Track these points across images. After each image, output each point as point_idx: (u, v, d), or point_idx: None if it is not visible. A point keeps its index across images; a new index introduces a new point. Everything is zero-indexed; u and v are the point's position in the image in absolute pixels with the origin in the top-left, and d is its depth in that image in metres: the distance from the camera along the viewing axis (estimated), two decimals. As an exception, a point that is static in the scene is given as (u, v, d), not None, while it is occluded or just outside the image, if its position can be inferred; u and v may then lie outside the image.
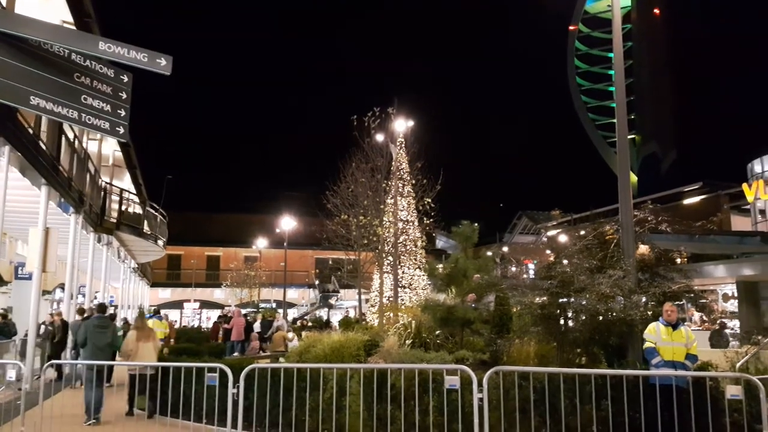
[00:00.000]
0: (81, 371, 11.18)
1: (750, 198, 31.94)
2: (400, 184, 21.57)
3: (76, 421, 9.20)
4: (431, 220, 20.98)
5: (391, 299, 19.92)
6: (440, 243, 55.09)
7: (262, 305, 43.70)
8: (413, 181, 21.78)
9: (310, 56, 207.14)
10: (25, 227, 14.27)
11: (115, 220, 21.17)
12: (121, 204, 21.99)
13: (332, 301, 44.76)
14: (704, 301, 24.03)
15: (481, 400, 6.58)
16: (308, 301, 50.95)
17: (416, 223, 22.08)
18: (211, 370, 7.89)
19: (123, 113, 8.07)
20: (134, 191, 26.46)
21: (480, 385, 6.60)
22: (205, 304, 51.45)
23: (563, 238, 22.64)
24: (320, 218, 22.18)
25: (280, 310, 32.38)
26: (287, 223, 35.95)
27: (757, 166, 40.04)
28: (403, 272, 21.06)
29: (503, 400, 7.35)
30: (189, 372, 8.21)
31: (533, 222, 62.85)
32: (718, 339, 17.79)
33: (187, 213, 49.50)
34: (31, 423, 7.92)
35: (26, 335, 13.48)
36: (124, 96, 8.11)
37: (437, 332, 12.83)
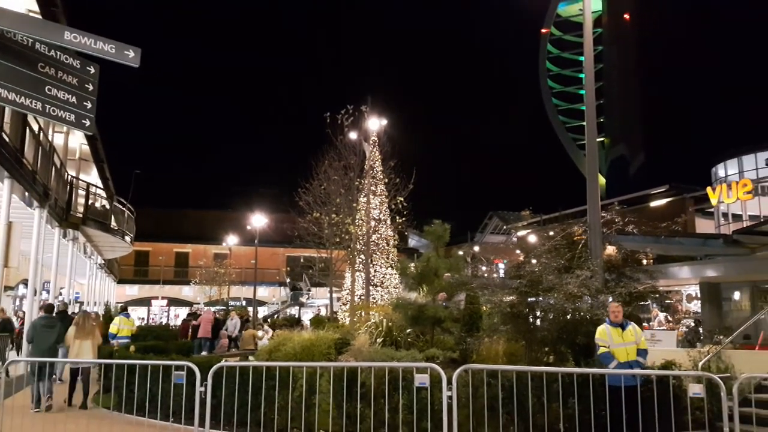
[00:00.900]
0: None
1: (714, 201, 32.79)
2: (373, 183, 21.54)
3: (26, 411, 9.29)
4: (404, 218, 21.01)
5: (362, 298, 19.90)
6: (412, 242, 55.22)
7: (232, 303, 43.25)
8: (386, 180, 21.78)
9: (284, 52, 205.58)
10: (-14, 221, 13.83)
11: (81, 215, 20.70)
12: (87, 198, 21.52)
13: (303, 299, 44.54)
14: (669, 301, 24.59)
15: (450, 398, 6.62)
16: (279, 299, 50.62)
17: (389, 222, 22.08)
18: (178, 368, 7.77)
19: (89, 105, 7.88)
20: (101, 186, 25.92)
21: (449, 383, 6.64)
22: (174, 302, 50.73)
23: (533, 239, 22.92)
24: (292, 216, 22.03)
25: (234, 304, 32.04)
26: (258, 220, 35.62)
27: (720, 171, 41.13)
28: (375, 271, 21.04)
29: (472, 398, 7.41)
30: (155, 370, 8.09)
31: (504, 222, 63.40)
32: (693, 336, 18.26)
33: (156, 209, 48.74)
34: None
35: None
36: (91, 88, 7.92)
37: (408, 331, 12.85)
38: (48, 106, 7.51)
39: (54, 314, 11.51)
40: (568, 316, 9.51)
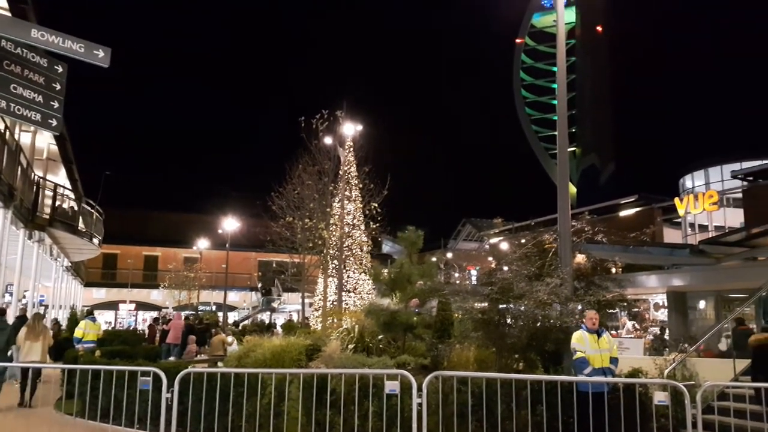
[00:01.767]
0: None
1: (681, 212, 33.47)
2: (347, 188, 21.51)
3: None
4: (377, 224, 21.02)
5: (335, 303, 19.81)
6: (386, 248, 55.26)
7: (202, 308, 42.69)
8: (360, 185, 21.77)
9: (260, 55, 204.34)
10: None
11: (47, 216, 20.21)
12: (54, 199, 21.01)
13: (275, 304, 44.14)
14: (636, 309, 25.01)
15: (420, 405, 6.61)
16: (250, 304, 50.10)
17: (362, 227, 22.05)
18: (145, 373, 7.62)
19: (56, 105, 7.71)
20: (69, 187, 25.36)
21: (419, 390, 6.64)
22: (142, 306, 49.86)
23: (505, 246, 23.10)
24: (265, 220, 21.87)
25: (204, 309, 31.65)
26: (230, 224, 35.25)
27: (688, 182, 42.14)
28: (348, 276, 20.97)
29: (442, 405, 7.42)
30: (121, 375, 7.94)
31: (477, 229, 63.88)
32: (659, 344, 18.56)
33: (126, 211, 47.90)
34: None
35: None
36: (58, 87, 7.75)
37: (380, 337, 12.82)
38: (13, 105, 7.33)
39: (17, 317, 11.39)
40: (538, 324, 9.60)
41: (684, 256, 21.76)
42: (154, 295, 49.12)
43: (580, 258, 11.53)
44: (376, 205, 20.61)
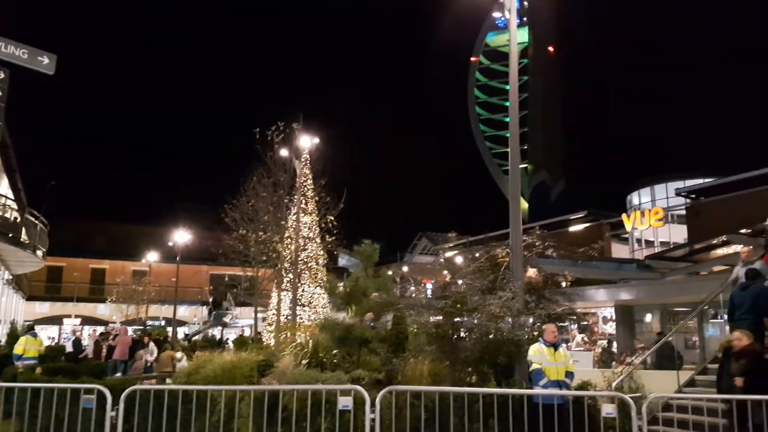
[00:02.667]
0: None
1: (628, 227, 34.60)
2: (303, 201, 21.36)
3: None
4: (333, 237, 20.92)
5: (289, 318, 19.56)
6: (342, 261, 55.00)
7: (150, 323, 41.47)
8: (316, 198, 21.65)
9: (216, 65, 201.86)
10: None
11: (-13, 227, 19.35)
12: (-6, 210, 20.14)
13: (227, 319, 43.26)
14: (585, 323, 25.59)
15: (373, 420, 6.57)
16: (200, 319, 48.97)
17: (318, 241, 21.91)
18: (88, 391, 7.33)
19: (-1, 111, 7.42)
20: (12, 196, 24.36)
21: (373, 405, 6.60)
22: (87, 321, 48.07)
23: (459, 260, 23.34)
24: (217, 232, 21.47)
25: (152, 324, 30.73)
26: (181, 236, 34.47)
27: (635, 199, 43.54)
28: (303, 290, 20.76)
29: (395, 420, 7.39)
30: (63, 393, 7.61)
31: (433, 243, 64.31)
32: (607, 357, 18.97)
33: (72, 222, 46.26)
34: None
35: None
36: (0, 93, 7.47)
37: (335, 351, 12.72)
38: (-49, 111, 7.01)
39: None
40: (491, 336, 9.72)
41: (631, 270, 22.42)
42: (101, 310, 47.47)
43: (531, 272, 11.76)
44: (332, 218, 20.53)
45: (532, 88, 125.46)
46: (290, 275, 20.10)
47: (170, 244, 38.22)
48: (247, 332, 38.54)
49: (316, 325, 14.27)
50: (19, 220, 22.16)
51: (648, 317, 24.35)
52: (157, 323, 43.47)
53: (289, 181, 20.35)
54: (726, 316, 9.86)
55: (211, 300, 46.53)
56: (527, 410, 7.09)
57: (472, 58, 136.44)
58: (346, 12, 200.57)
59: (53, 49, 6.70)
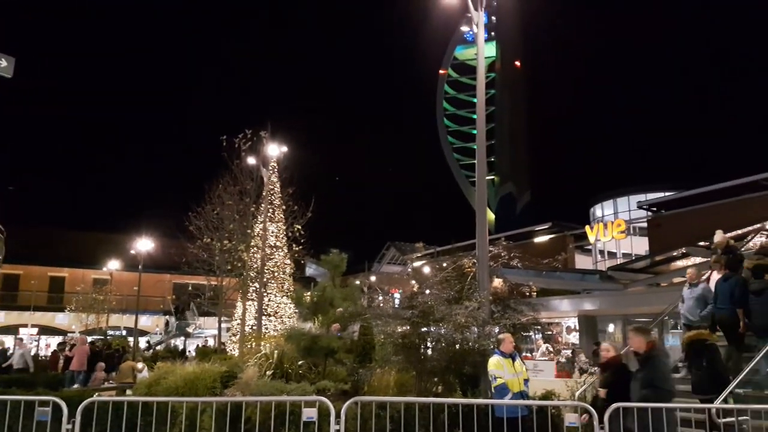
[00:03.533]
0: None
1: (591, 239, 35.30)
2: (270, 209, 21.18)
3: None
4: (301, 246, 20.78)
5: (254, 328, 19.31)
6: (310, 270, 54.67)
7: (111, 332, 40.46)
8: (284, 207, 21.51)
9: (180, 66, 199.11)
10: None
11: (-63, 234, 18.66)
12: (-53, 216, 19.46)
13: (190, 329, 42.49)
14: (550, 332, 25.94)
15: (338, 431, 6.51)
16: (163, 329, 48.00)
17: (285, 250, 21.73)
18: (43, 403, 7.09)
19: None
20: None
21: (338, 416, 6.54)
22: (45, 330, 46.63)
23: (427, 270, 23.45)
24: (181, 240, 21.10)
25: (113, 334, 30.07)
26: (144, 244, 33.79)
27: (598, 211, 44.48)
28: (269, 300, 20.54)
29: (360, 431, 7.33)
30: (17, 406, 7.35)
31: (401, 252, 64.48)
32: (571, 366, 19.20)
33: (30, 228, 44.95)
34: None
35: None
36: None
37: (300, 362, 12.59)
38: None
39: None
40: (457, 346, 9.75)
41: (594, 281, 22.86)
42: (60, 319, 46.10)
43: (497, 282, 11.86)
44: (300, 227, 20.41)
45: (499, 101, 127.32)
46: (256, 284, 19.87)
47: (133, 252, 37.44)
48: (211, 342, 37.92)
49: (281, 336, 14.11)
50: (-27, 226, 21.45)
51: (611, 327, 24.82)
52: (118, 333, 42.45)
53: (256, 189, 20.17)
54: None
55: (173, 309, 45.71)
56: (491, 424, 7.10)
57: (441, 71, 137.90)
58: (316, 21, 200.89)
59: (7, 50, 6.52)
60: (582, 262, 37.91)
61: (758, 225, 15.12)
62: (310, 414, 6.83)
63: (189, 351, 29.39)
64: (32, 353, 40.11)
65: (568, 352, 24.02)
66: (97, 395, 8.39)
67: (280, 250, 21.31)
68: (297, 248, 20.90)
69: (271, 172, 21.44)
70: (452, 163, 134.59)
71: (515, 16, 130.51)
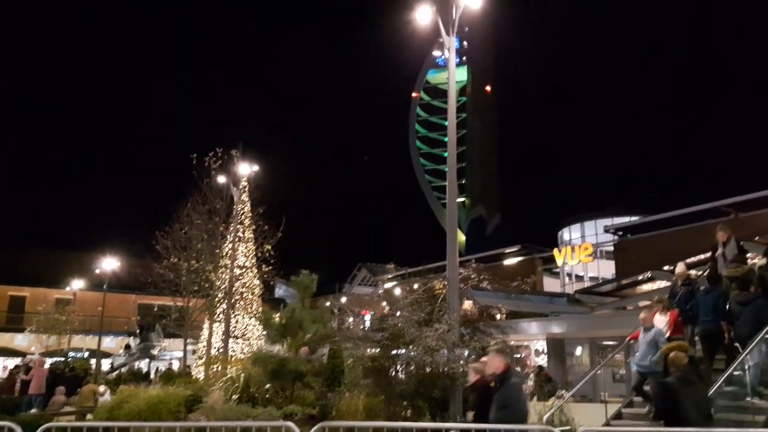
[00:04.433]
0: None
1: (559, 262, 35.74)
2: (240, 229, 20.95)
3: None
4: (270, 267, 20.57)
5: (221, 350, 18.95)
6: (279, 291, 54.12)
7: (73, 354, 39.29)
8: (254, 227, 21.31)
9: (148, 83, 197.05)
10: None
11: None
12: None
13: (155, 351, 41.51)
14: (518, 355, 26.04)
15: (305, 457, 6.39)
16: (126, 351, 46.74)
17: (254, 270, 21.48)
18: (-3, 430, 6.82)
19: None
20: None
21: (305, 442, 6.42)
22: (3, 352, 45.02)
23: (398, 291, 23.41)
24: (147, 260, 20.71)
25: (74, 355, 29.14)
26: (109, 264, 33.06)
27: (566, 234, 45.14)
28: (236, 321, 20.21)
29: (328, 457, 7.20)
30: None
31: (372, 274, 64.28)
32: (539, 389, 19.20)
33: (-11, 246, 43.68)
34: None
35: None
36: None
37: (267, 386, 12.38)
38: None
39: None
40: (427, 369, 9.71)
41: (561, 304, 23.09)
42: (19, 340, 44.56)
43: (467, 304, 11.89)
44: (270, 247, 20.21)
45: (470, 125, 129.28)
46: (223, 305, 19.55)
47: (97, 271, 36.62)
48: (176, 365, 37.08)
49: (248, 359, 13.87)
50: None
51: (578, 350, 25.02)
52: (80, 355, 41.25)
53: (225, 208, 19.97)
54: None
55: (138, 331, 44.68)
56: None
57: (414, 94, 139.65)
58: (290, 41, 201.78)
59: None
60: (550, 284, 38.27)
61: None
62: (276, 440, 6.70)
63: (152, 375, 28.65)
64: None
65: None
66: (56, 420, 8.09)
67: (249, 270, 21.05)
68: (267, 269, 20.68)
69: (241, 191, 21.26)
70: (424, 185, 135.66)
71: (487, 42, 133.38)
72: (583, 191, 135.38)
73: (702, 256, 15.88)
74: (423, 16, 11.45)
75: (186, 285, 19.45)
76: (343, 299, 53.40)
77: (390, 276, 47.51)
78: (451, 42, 11.54)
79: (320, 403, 10.93)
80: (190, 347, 23.54)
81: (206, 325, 20.94)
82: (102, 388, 17.44)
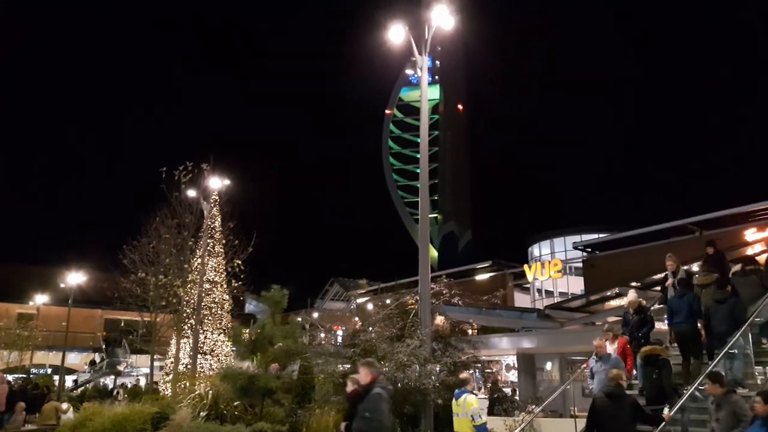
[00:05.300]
0: None
1: (530, 278, 36.07)
2: (210, 243, 20.67)
3: None
4: (240, 282, 20.31)
5: (189, 366, 18.59)
6: (250, 307, 53.42)
7: (35, 370, 38.10)
8: (224, 241, 21.05)
9: (117, 94, 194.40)
10: None
11: None
12: None
13: (120, 367, 40.52)
14: (489, 370, 26.12)
15: (274, 475, 6.30)
16: (88, 366, 45.52)
17: (224, 285, 21.18)
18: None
19: None
20: None
21: (274, 459, 6.33)
22: (-40, 369, 43.43)
23: (370, 306, 23.33)
24: (114, 274, 20.28)
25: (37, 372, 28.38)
26: (74, 278, 32.28)
27: (536, 250, 45.61)
28: (205, 337, 19.88)
29: (297, 474, 7.11)
30: None
31: (344, 289, 63.90)
32: (509, 405, 19.25)
33: (-52, 260, 42.29)
34: None
35: None
36: None
37: (236, 403, 12.18)
38: None
39: None
40: (399, 385, 9.67)
41: (532, 319, 23.27)
42: (-22, 357, 43.06)
43: (439, 319, 11.92)
44: (240, 262, 19.97)
45: (442, 142, 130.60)
46: (192, 321, 19.23)
47: (62, 285, 35.71)
48: (143, 381, 36.24)
49: (217, 375, 13.65)
50: None
51: (548, 365, 25.20)
52: (42, 371, 40.03)
53: (195, 222, 19.71)
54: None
55: (104, 346, 43.61)
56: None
57: (387, 111, 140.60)
58: (265, 56, 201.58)
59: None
60: (521, 300, 38.55)
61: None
62: (245, 457, 6.59)
63: (117, 391, 27.94)
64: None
65: (508, 390, 24.21)
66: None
67: (218, 285, 20.76)
68: (236, 284, 20.42)
69: (211, 205, 21.01)
70: (397, 201, 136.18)
71: (459, 62, 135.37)
72: (553, 208, 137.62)
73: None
74: (396, 36, 11.56)
75: (153, 300, 19.08)
76: (315, 314, 53.00)
77: (362, 291, 47.32)
78: (424, 61, 11.69)
79: (290, 420, 10.80)
80: (157, 363, 23.05)
81: (174, 341, 20.56)
82: (65, 406, 16.93)
